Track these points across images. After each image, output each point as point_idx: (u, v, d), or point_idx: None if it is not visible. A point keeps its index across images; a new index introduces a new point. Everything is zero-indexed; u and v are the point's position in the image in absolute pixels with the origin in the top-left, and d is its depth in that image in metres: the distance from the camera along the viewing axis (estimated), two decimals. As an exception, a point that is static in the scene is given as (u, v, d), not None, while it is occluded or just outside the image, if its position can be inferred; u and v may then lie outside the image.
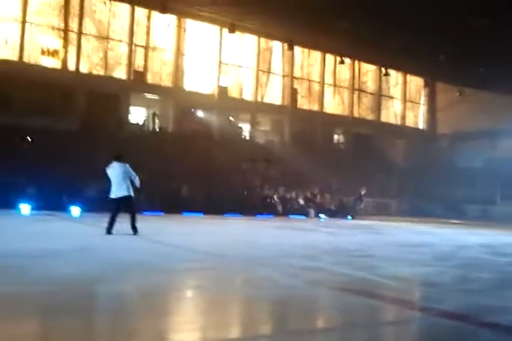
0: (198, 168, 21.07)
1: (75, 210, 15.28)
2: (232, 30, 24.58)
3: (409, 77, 34.30)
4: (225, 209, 19.04)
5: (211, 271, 5.71)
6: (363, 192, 21.47)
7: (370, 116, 32.91)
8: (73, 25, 23.46)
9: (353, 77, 32.02)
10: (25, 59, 22.36)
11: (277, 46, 29.28)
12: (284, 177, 23.16)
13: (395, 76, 33.52)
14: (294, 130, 29.34)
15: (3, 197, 15.49)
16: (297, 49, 29.25)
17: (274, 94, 29.36)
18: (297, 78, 30.00)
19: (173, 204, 18.21)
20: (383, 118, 33.56)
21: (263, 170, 23.60)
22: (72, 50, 23.49)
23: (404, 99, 34.48)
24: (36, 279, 4.73)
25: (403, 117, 34.57)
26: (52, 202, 15.79)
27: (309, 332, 3.55)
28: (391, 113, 34.20)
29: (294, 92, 29.87)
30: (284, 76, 29.56)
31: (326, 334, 3.56)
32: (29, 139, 19.97)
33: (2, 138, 18.22)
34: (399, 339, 3.66)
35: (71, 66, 23.39)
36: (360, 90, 32.66)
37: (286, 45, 27.94)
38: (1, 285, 4.39)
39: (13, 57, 22.19)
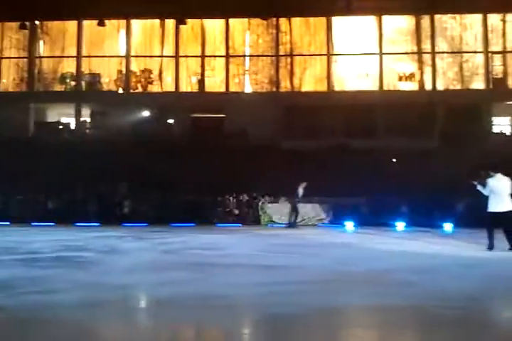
0: None
1: (448, 226, 15.52)
2: None
3: None
4: None
5: None
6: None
7: None
8: (426, 46, 24.19)
9: None
10: (385, 87, 24.14)
11: None
12: None
13: None
14: None
15: (378, 216, 17.05)
16: None
17: None
18: None
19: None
20: None
21: None
22: (427, 70, 24.19)
23: None
24: (427, 293, 5.16)
25: None
26: (424, 218, 16.45)
27: None
28: None
29: None
30: None
31: None
32: (395, 161, 21.34)
33: (373, 161, 20.07)
34: None
35: (427, 86, 24.07)
36: None
37: None
38: (395, 298, 4.95)
39: (374, 87, 24.28)
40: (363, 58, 24.43)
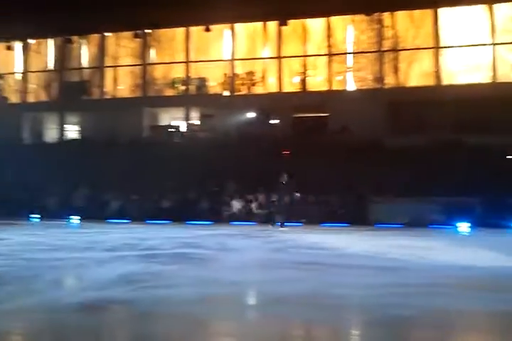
0: None
1: None
2: None
3: None
4: None
5: None
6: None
7: None
8: (544, 33, 22.46)
9: None
10: (498, 79, 22.71)
11: None
12: None
13: None
14: None
15: (495, 217, 16.16)
16: None
17: None
18: None
19: None
20: None
21: None
22: (547, 59, 22.47)
23: None
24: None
25: None
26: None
27: None
28: None
29: None
30: None
31: None
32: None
33: (487, 158, 19.00)
34: None
35: (548, 76, 22.33)
36: None
37: None
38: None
39: (486, 79, 22.92)
40: (473, 50, 23.18)
